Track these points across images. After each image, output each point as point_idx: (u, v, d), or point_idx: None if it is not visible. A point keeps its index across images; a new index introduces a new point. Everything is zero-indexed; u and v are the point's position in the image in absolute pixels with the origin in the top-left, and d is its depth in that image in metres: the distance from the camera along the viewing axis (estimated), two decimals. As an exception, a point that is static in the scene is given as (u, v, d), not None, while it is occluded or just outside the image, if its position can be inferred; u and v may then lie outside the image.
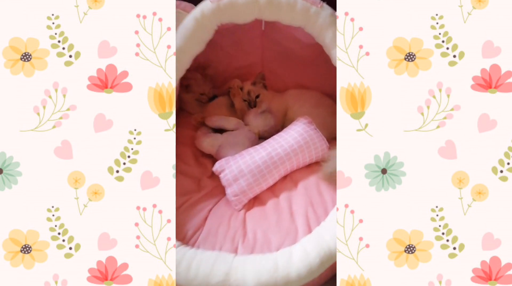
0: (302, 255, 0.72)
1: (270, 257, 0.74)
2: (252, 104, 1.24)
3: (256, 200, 1.00)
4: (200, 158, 1.14)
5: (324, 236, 0.75)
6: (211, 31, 0.95)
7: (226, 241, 0.84)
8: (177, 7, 0.95)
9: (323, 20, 0.87)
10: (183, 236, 0.83)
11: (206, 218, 0.91)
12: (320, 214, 0.88)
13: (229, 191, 0.97)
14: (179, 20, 0.91)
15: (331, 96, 1.26)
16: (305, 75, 1.30)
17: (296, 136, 1.02)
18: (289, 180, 1.04)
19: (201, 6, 0.91)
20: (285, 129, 1.09)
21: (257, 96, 1.24)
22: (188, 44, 0.92)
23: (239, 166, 0.98)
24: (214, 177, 1.04)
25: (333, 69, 0.79)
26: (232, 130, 1.16)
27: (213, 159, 1.12)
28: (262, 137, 1.17)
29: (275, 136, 1.07)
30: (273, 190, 1.02)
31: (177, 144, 0.93)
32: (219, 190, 1.02)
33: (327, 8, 0.88)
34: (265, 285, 0.70)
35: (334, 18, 0.87)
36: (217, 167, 1.00)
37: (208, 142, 1.11)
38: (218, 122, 1.17)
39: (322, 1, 0.88)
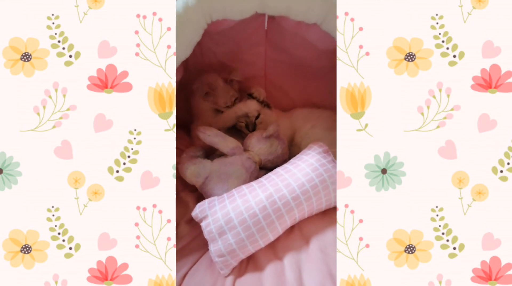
0: None
1: None
2: (250, 127, 1.01)
3: (250, 262, 0.74)
4: (181, 193, 0.91)
5: None
6: (199, 30, 0.75)
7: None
8: None
9: None
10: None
11: (179, 286, 0.68)
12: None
13: (212, 248, 0.71)
14: None
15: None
16: (317, 91, 1.08)
17: (308, 171, 0.76)
18: (297, 233, 0.77)
19: None
20: (292, 161, 0.82)
21: (257, 117, 1.02)
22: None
23: (227, 213, 0.71)
24: (196, 221, 0.79)
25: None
26: (227, 155, 0.92)
27: (198, 194, 0.90)
28: (264, 168, 0.96)
29: (278, 170, 0.80)
30: (274, 248, 0.75)
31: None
32: (201, 242, 0.76)
33: None
34: None
35: None
36: (197, 211, 0.75)
37: (193, 171, 0.87)
38: (213, 138, 0.91)
39: None
